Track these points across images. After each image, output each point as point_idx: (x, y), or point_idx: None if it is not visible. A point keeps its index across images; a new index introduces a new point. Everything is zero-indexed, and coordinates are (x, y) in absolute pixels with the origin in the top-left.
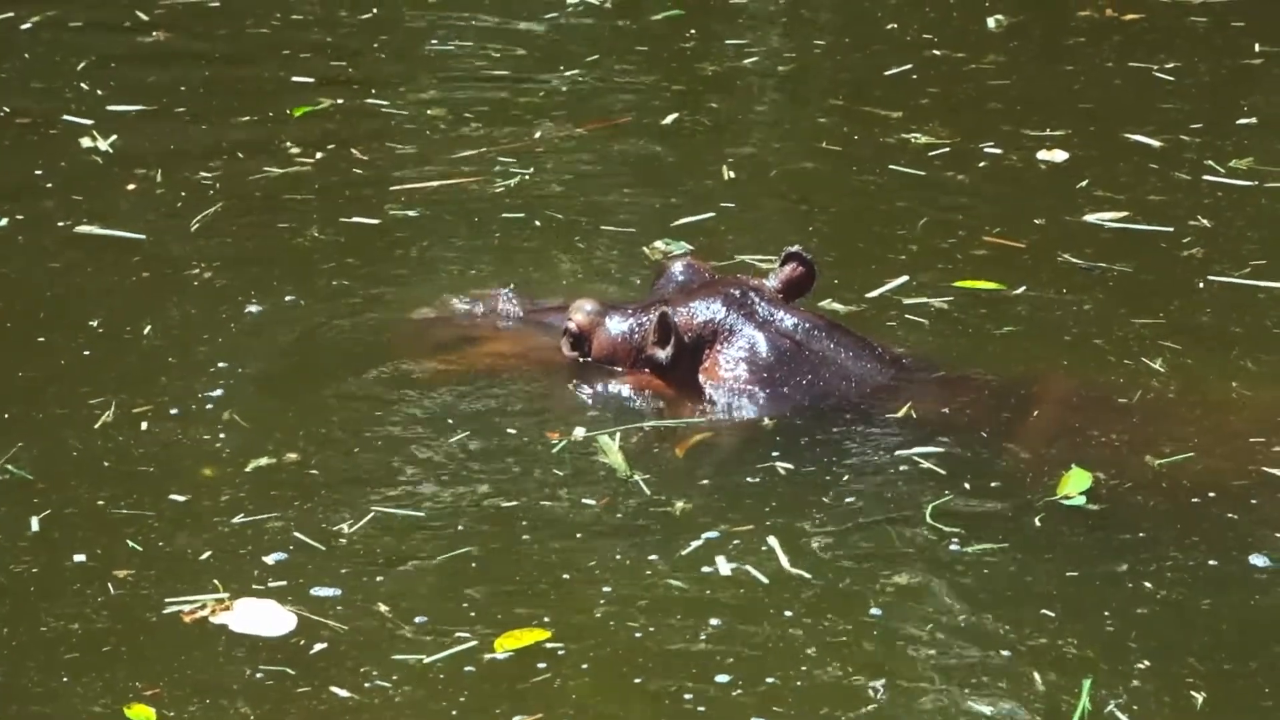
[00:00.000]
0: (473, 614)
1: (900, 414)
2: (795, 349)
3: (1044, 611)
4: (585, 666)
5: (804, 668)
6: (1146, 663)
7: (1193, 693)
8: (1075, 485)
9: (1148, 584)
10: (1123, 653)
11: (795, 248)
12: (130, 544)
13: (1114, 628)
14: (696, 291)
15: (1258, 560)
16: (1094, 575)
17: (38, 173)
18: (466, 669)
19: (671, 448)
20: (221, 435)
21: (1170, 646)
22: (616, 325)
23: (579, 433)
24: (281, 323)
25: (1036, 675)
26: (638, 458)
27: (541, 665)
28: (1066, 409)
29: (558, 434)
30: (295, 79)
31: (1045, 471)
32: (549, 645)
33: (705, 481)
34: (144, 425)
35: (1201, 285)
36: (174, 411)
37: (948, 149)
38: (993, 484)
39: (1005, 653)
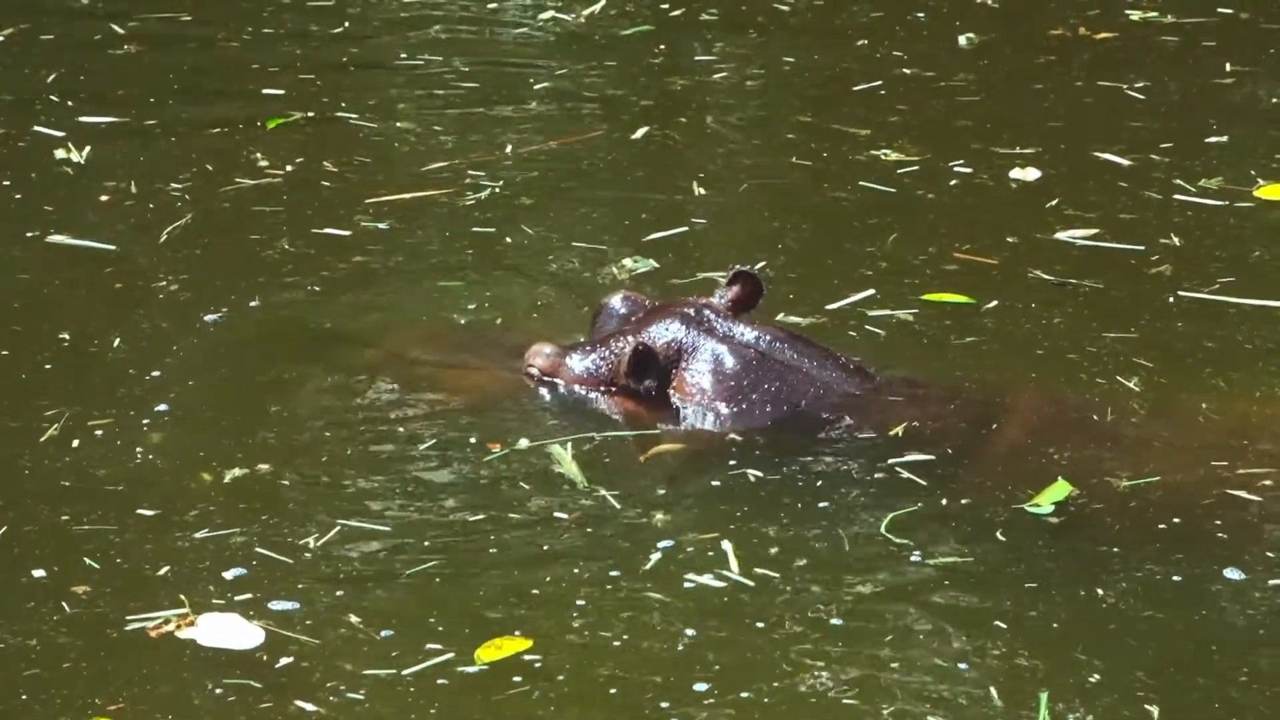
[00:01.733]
0: (441, 628)
1: (868, 424)
2: (760, 360)
3: (998, 624)
4: (560, 678)
5: (774, 681)
6: (1098, 677)
7: (1147, 706)
8: (1051, 496)
9: (1106, 597)
10: (1076, 666)
11: (743, 266)
12: (88, 560)
13: (1069, 641)
14: (652, 316)
15: (1231, 574)
16: (1051, 588)
17: (5, 183)
18: (440, 681)
19: (636, 459)
20: (185, 448)
21: (1124, 660)
22: (579, 363)
23: (523, 443)
24: (249, 335)
25: (993, 690)
26: (602, 469)
27: (517, 678)
28: (1036, 421)
29: (499, 444)
30: (266, 91)
31: (1011, 483)
32: (525, 658)
33: (671, 492)
34: (108, 438)
35: (1172, 300)
36: (141, 424)
37: (917, 167)
38: (957, 495)
39: (962, 665)
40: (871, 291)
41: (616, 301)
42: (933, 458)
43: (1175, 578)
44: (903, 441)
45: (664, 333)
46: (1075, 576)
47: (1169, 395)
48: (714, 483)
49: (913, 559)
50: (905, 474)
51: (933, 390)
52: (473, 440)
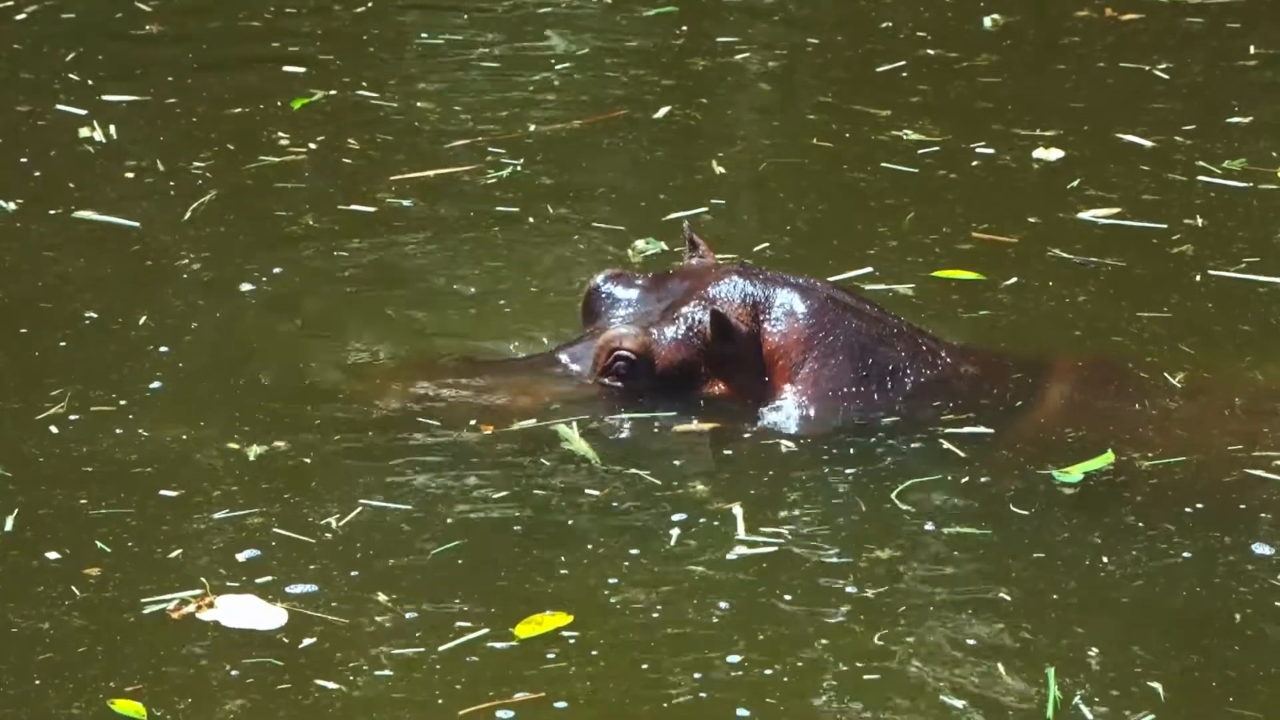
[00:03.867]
0: (466, 607)
1: (927, 390)
2: (835, 306)
3: (1003, 596)
4: (594, 653)
5: (800, 655)
6: (1098, 651)
7: (1150, 683)
8: (1088, 467)
9: (1114, 572)
10: (1080, 641)
11: (686, 228)
12: (100, 544)
13: (1074, 616)
14: (703, 280)
15: (1247, 552)
16: (1058, 560)
17: (25, 160)
18: (470, 659)
19: (662, 435)
20: (204, 427)
21: (1130, 636)
22: (671, 332)
23: (519, 425)
24: (272, 313)
25: (1000, 666)
26: (626, 446)
27: (550, 654)
28: (1080, 394)
29: (491, 425)
30: (287, 69)
31: (1046, 454)
32: (561, 634)
33: (695, 465)
34: (125, 418)
35: (1199, 279)
36: (158, 404)
37: (938, 148)
38: (987, 466)
39: (971, 642)
40: (869, 269)
41: (610, 284)
42: (977, 428)
43: (1186, 554)
44: (952, 410)
45: (732, 292)
46: (1087, 550)
47: (1209, 373)
48: (740, 454)
49: (927, 528)
50: (945, 445)
51: (989, 359)
52: (492, 424)
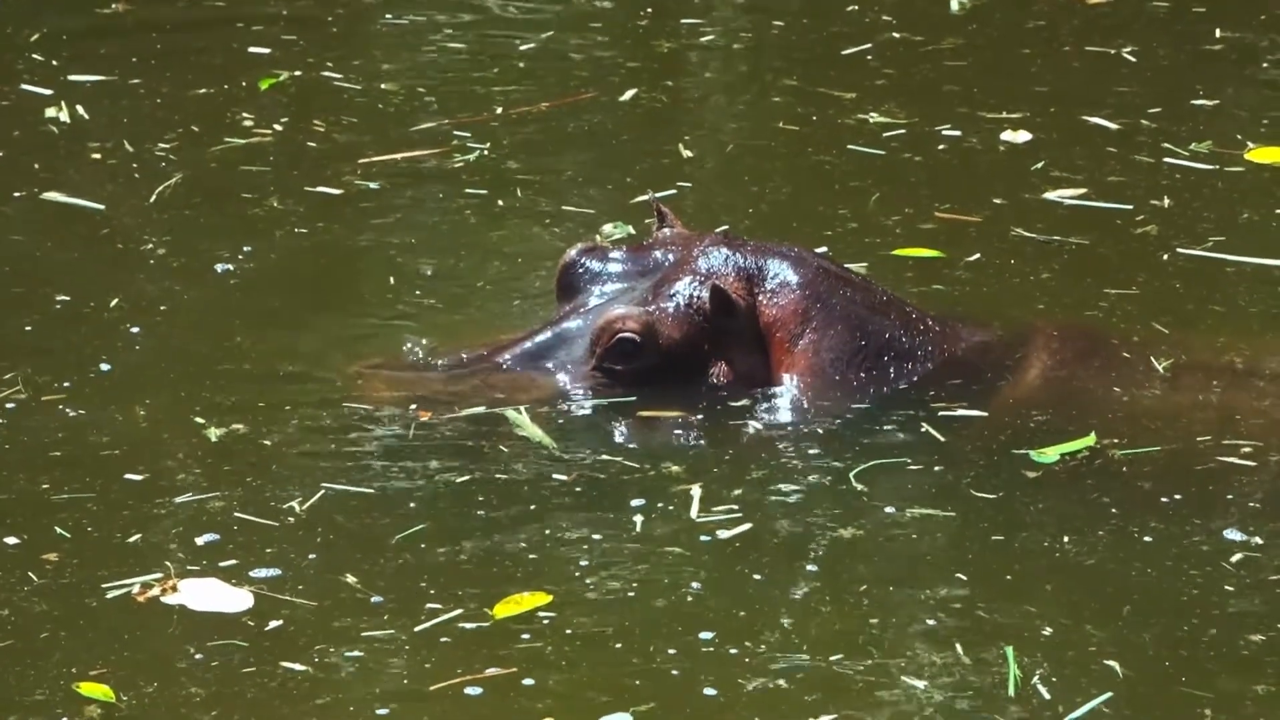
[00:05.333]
0: (433, 590)
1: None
2: (830, 274)
3: (959, 575)
4: (569, 631)
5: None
6: (1051, 631)
7: (1109, 661)
8: (1066, 448)
9: (1070, 551)
10: (1037, 622)
11: (653, 199)
12: (60, 529)
13: (1027, 595)
14: (690, 254)
15: (1207, 534)
16: (1015, 541)
17: None
18: (444, 639)
19: (625, 420)
20: (167, 411)
21: (1084, 615)
22: (670, 307)
23: (475, 410)
24: (239, 294)
25: (959, 646)
26: (587, 431)
27: (525, 635)
28: (1058, 373)
29: (429, 414)
30: (251, 50)
31: (1023, 435)
32: (532, 615)
33: (657, 447)
34: (86, 401)
35: (1166, 258)
36: (121, 387)
37: (904, 130)
38: (958, 446)
39: (930, 622)
40: (824, 249)
41: (586, 258)
42: (962, 404)
43: (1147, 537)
44: (942, 382)
45: (724, 265)
46: (1044, 531)
47: (1186, 352)
48: (707, 437)
49: (888, 510)
50: (925, 425)
51: (974, 328)
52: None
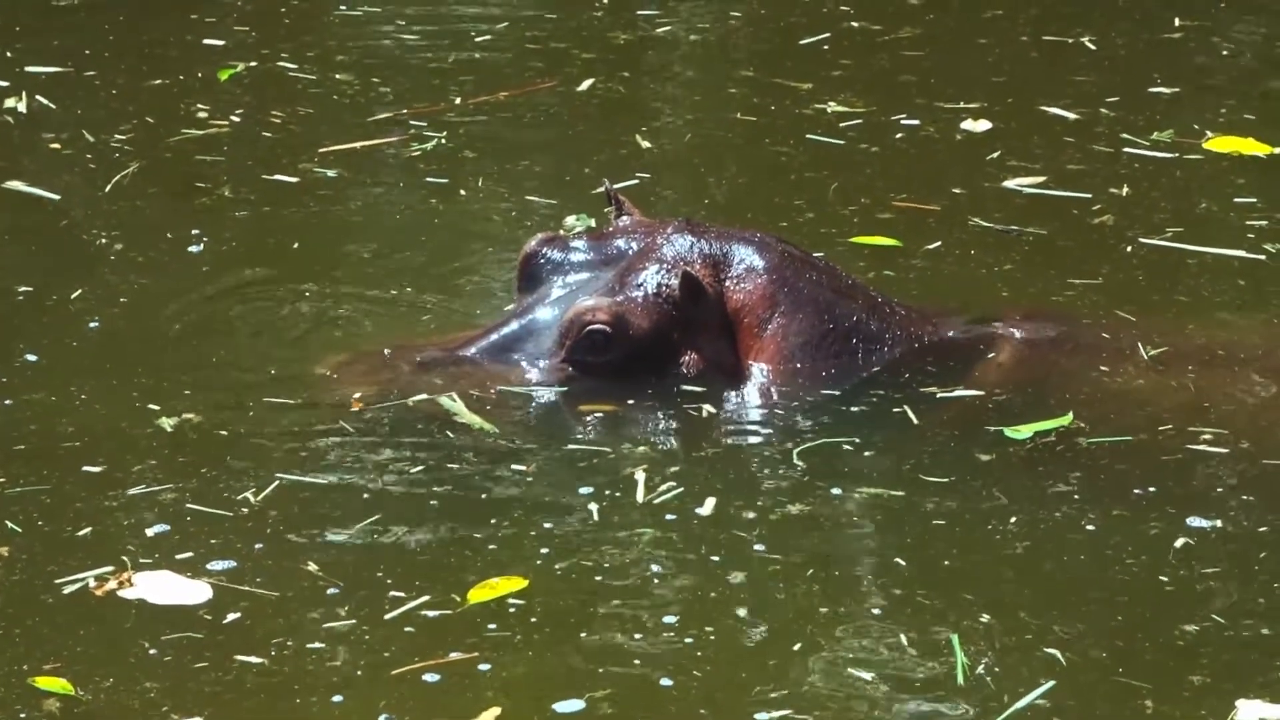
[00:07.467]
0: (390, 580)
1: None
2: (792, 257)
3: (898, 561)
4: (534, 620)
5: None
6: (989, 618)
7: (1050, 649)
8: (1042, 426)
9: (1011, 538)
10: (978, 610)
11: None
12: (10, 523)
13: (964, 582)
14: (654, 242)
15: (1194, 522)
16: (957, 526)
17: None
18: (407, 629)
19: (574, 409)
20: (120, 402)
21: (1021, 603)
22: (639, 296)
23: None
24: (195, 285)
25: (903, 635)
26: (534, 421)
27: (492, 625)
28: (1027, 355)
29: (360, 402)
30: (206, 42)
31: (992, 415)
32: (493, 605)
33: (606, 434)
34: (40, 392)
35: (1129, 249)
36: (74, 378)
37: (861, 120)
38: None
39: (875, 611)
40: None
41: (547, 248)
42: (927, 387)
43: (1092, 526)
44: (903, 372)
45: (690, 251)
46: (986, 517)
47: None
48: (670, 425)
49: (834, 492)
50: (896, 410)
51: (939, 312)
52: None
